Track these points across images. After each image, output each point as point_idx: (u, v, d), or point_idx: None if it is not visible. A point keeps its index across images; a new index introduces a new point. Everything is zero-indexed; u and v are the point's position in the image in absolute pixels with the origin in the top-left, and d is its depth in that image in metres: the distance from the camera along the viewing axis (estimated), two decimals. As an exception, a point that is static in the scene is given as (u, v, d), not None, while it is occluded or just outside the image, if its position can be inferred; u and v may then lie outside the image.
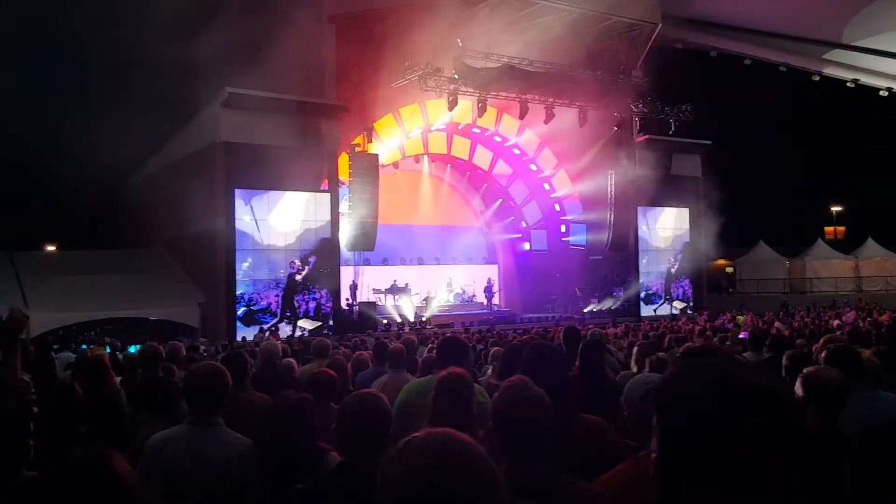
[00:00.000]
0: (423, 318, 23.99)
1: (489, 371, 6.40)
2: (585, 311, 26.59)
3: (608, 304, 27.11)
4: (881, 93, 27.24)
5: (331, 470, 2.72)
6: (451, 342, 4.27)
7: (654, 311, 27.51)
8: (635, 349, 5.99)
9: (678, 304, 28.56)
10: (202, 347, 11.97)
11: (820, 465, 2.21)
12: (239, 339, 17.43)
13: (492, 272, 30.21)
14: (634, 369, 5.68)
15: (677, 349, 6.94)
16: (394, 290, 25.48)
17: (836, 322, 16.72)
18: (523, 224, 30.92)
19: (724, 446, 1.08)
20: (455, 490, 1.18)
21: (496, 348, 7.46)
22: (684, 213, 29.21)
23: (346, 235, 21.79)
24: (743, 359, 1.62)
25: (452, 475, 1.19)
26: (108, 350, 11.06)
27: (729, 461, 1.08)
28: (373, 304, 23.47)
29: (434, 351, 4.30)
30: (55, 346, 14.12)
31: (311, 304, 21.02)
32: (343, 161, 21.82)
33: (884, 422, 2.31)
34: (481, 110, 22.56)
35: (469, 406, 2.99)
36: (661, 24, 25.16)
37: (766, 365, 5.70)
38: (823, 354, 3.86)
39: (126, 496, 1.77)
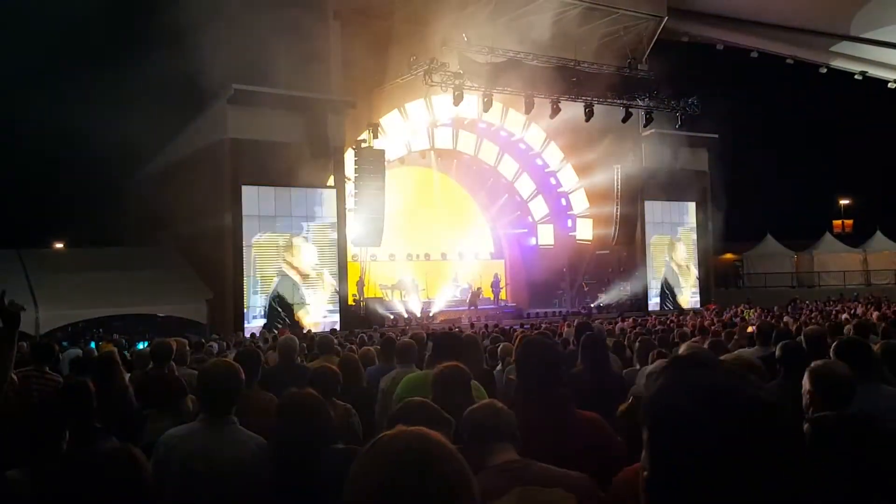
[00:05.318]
0: (430, 314, 24.00)
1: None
2: (592, 305, 26.56)
3: (615, 298, 27.07)
4: (889, 85, 27.11)
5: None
6: (446, 338, 4.32)
7: (661, 305, 27.46)
8: (637, 344, 5.96)
9: (675, 293, 28.48)
10: (215, 346, 11.89)
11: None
12: (248, 335, 17.45)
13: (498, 267, 30.19)
14: (637, 366, 5.66)
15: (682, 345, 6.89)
16: (400, 285, 25.50)
17: (844, 315, 16.65)
18: (530, 219, 30.85)
19: (716, 462, 1.02)
20: (425, 490, 1.12)
21: (505, 344, 7.39)
22: (691, 206, 29.13)
23: (352, 231, 21.82)
24: (737, 365, 1.54)
25: (423, 475, 1.13)
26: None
27: (721, 476, 1.02)
28: (380, 300, 23.49)
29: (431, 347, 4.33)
30: (64, 343, 14.20)
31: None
32: (349, 157, 21.86)
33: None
34: (487, 105, 22.51)
35: (468, 399, 3.00)
36: (667, 18, 25.08)
37: (771, 360, 5.67)
38: (833, 346, 3.86)
39: (145, 484, 1.90)
